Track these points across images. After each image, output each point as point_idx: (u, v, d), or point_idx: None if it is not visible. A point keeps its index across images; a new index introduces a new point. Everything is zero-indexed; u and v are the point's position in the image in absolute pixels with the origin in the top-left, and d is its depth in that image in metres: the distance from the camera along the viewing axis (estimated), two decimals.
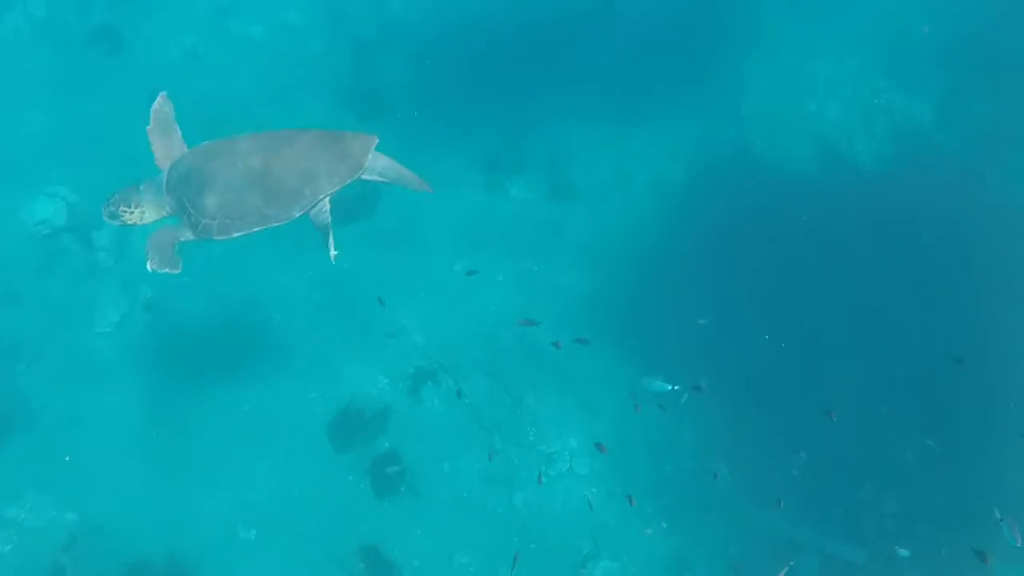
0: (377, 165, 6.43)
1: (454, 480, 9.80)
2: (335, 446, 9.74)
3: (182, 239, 6.30)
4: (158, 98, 6.59)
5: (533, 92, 12.95)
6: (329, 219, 6.54)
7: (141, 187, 6.17)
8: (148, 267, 6.19)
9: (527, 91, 12.96)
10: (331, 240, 6.46)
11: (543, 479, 9.90)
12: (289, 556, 9.09)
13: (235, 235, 6.29)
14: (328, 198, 6.37)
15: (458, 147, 12.48)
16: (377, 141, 6.42)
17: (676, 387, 9.06)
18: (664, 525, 9.85)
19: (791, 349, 10.67)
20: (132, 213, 6.14)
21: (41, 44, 12.64)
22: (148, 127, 6.38)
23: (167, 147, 6.38)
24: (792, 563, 8.86)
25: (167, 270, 6.21)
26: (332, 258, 6.50)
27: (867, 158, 12.08)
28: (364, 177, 6.45)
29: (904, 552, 8.75)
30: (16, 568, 8.46)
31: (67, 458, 8.98)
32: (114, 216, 6.16)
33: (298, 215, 6.37)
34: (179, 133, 6.49)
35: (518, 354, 10.79)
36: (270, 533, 9.17)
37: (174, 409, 9.69)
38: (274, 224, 6.35)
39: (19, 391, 9.33)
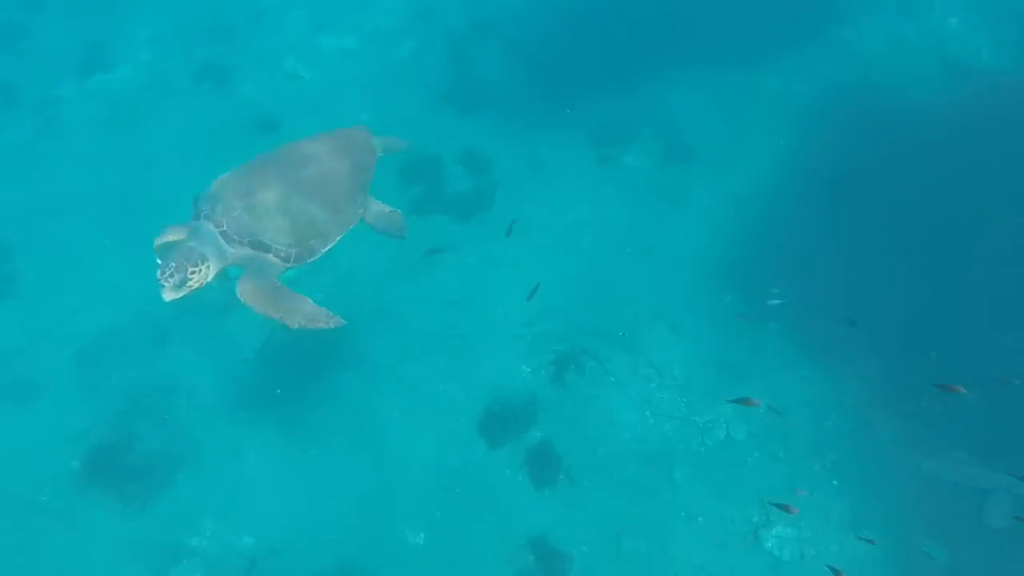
0: (379, 145, 6.93)
1: (611, 463, 9.63)
2: (488, 442, 9.66)
3: (276, 277, 6.27)
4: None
5: (633, 58, 12.66)
6: (386, 208, 6.60)
7: (191, 243, 5.96)
8: (300, 325, 6.07)
9: (626, 59, 12.69)
10: (403, 225, 6.45)
11: (702, 448, 9.66)
12: (459, 555, 9.10)
13: (324, 250, 6.31)
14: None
15: (565, 127, 12.24)
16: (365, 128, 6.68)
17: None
18: (834, 483, 9.45)
19: (943, 293, 10.11)
20: (200, 271, 5.94)
21: (153, 88, 12.96)
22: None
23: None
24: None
25: (327, 324, 6.10)
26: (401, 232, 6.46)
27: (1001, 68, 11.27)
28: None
29: None
30: None
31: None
32: (182, 284, 5.87)
33: (361, 213, 6.41)
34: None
35: (658, 326, 10.53)
36: (437, 535, 9.19)
37: (325, 425, 9.77)
38: (347, 228, 6.38)
39: (182, 426, 9.56)
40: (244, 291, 6.02)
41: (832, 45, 12.93)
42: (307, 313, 6.08)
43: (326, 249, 6.41)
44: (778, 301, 10.09)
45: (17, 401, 9.58)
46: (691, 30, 12.89)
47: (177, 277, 5.78)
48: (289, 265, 6.23)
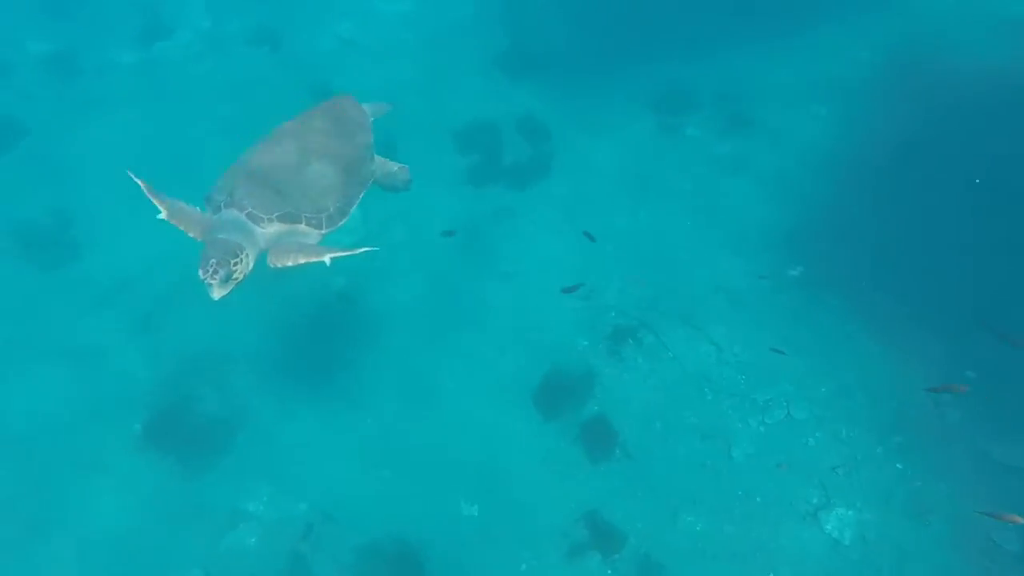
0: (368, 110, 6.88)
1: (668, 438, 9.49)
2: (543, 415, 9.58)
3: (312, 242, 6.19)
4: (141, 186, 6.15)
5: (695, 23, 12.34)
6: (394, 165, 6.53)
7: (221, 237, 5.79)
8: (333, 257, 6.02)
9: (688, 23, 12.36)
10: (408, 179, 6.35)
11: (761, 427, 9.48)
12: (513, 528, 9.06)
13: (351, 211, 6.26)
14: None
15: (625, 94, 12.02)
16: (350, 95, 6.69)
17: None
18: (899, 466, 9.20)
19: (1015, 267, 9.74)
20: (241, 261, 5.78)
21: (210, 54, 12.97)
22: (160, 216, 6.06)
23: (190, 219, 6.10)
24: None
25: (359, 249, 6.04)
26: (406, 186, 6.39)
27: None
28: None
29: None
30: (262, 558, 8.79)
31: None
32: (228, 278, 5.70)
33: (375, 170, 6.32)
34: (182, 203, 6.15)
35: (717, 300, 10.33)
36: (492, 507, 9.15)
37: (380, 394, 9.77)
38: (366, 187, 6.34)
39: (240, 391, 9.62)
40: (272, 257, 6.00)
41: (897, 9, 12.53)
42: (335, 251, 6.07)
43: (352, 210, 6.37)
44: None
45: (82, 364, 9.73)
46: None
47: (222, 272, 5.63)
48: (323, 231, 6.18)
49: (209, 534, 8.77)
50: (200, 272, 5.59)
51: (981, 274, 9.85)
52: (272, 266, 5.98)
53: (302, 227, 6.03)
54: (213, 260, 5.61)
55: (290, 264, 5.98)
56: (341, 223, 6.26)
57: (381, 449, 9.40)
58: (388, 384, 9.74)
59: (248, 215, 5.90)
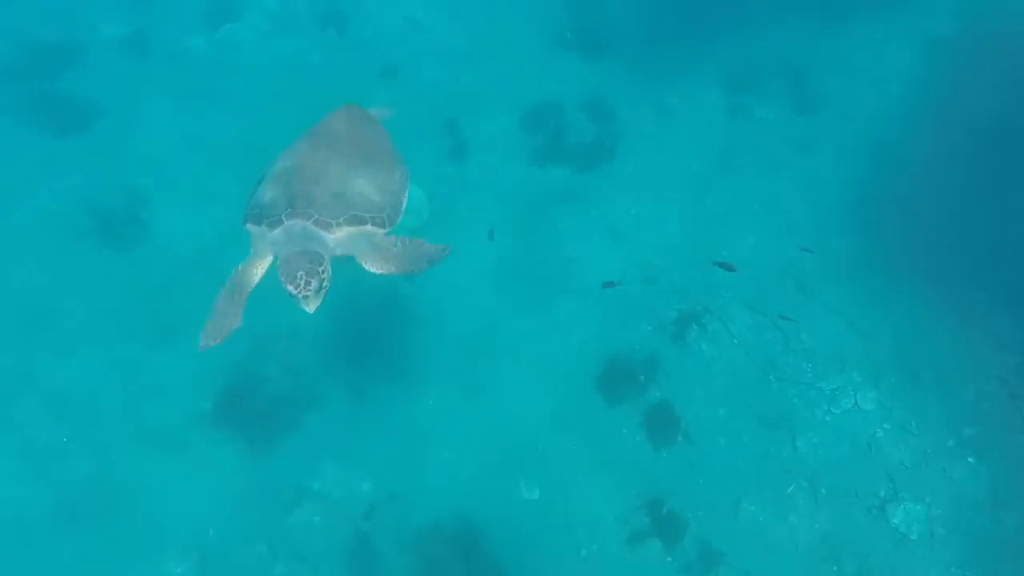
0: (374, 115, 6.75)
1: (731, 425, 9.38)
2: (606, 399, 9.54)
3: (379, 241, 6.17)
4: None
5: (765, 2, 11.97)
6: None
7: (297, 250, 5.72)
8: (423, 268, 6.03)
9: (757, 2, 12.00)
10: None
11: (827, 416, 9.31)
12: (573, 513, 9.06)
13: (403, 208, 6.25)
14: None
15: (692, 73, 11.80)
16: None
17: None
18: (970, 460, 8.95)
19: None
20: (325, 268, 5.72)
21: (278, 36, 13.09)
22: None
23: (246, 279, 6.06)
24: None
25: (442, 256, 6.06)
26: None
27: None
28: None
29: None
30: (327, 536, 8.97)
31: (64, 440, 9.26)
32: (319, 290, 5.64)
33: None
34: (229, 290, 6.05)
35: (784, 286, 10.15)
36: (552, 491, 9.18)
37: (443, 375, 9.84)
38: (408, 182, 6.34)
39: (308, 371, 9.77)
40: (375, 263, 5.99)
41: None
42: (429, 254, 6.07)
43: (404, 204, 6.38)
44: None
45: (155, 342, 9.95)
46: None
47: (314, 283, 5.57)
48: (387, 229, 6.17)
49: (275, 511, 8.96)
50: (291, 288, 5.52)
51: None
52: (375, 270, 6.00)
53: (368, 228, 6.02)
54: (301, 272, 5.54)
55: (393, 271, 5.98)
56: (399, 219, 6.27)
57: (444, 430, 9.48)
58: (452, 366, 9.79)
59: (316, 222, 5.80)
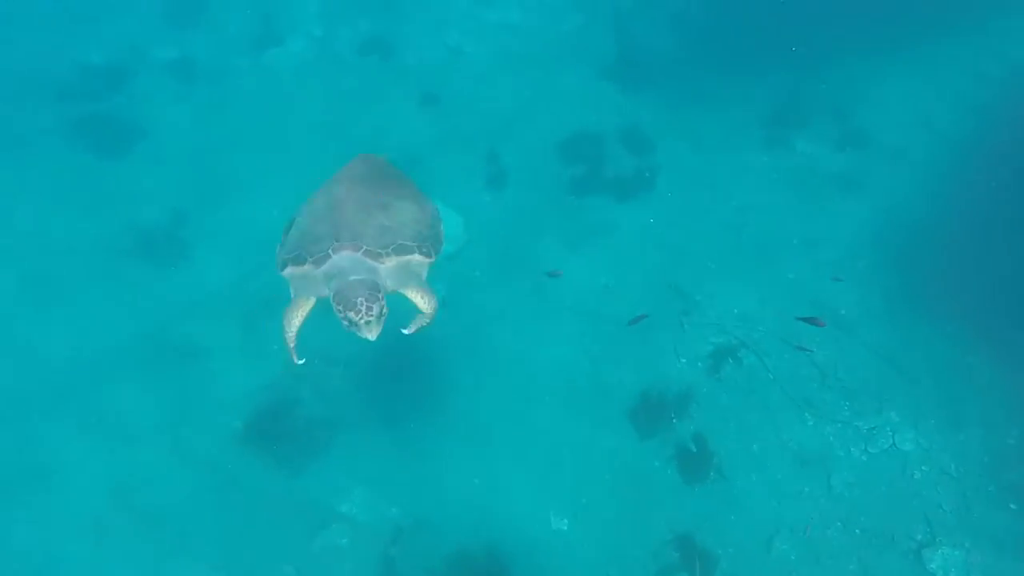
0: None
1: (765, 462, 9.24)
2: (639, 432, 9.45)
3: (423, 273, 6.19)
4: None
5: (808, 33, 11.98)
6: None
7: (353, 279, 5.63)
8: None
9: (801, 33, 12.01)
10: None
11: (864, 456, 9.14)
12: (602, 546, 8.97)
13: (443, 237, 6.27)
14: None
15: (734, 107, 11.79)
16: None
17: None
18: (1013, 507, 8.72)
19: None
20: (382, 295, 5.62)
21: (321, 61, 13.30)
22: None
23: (301, 298, 6.05)
24: None
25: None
26: None
27: None
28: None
29: None
30: (353, 560, 8.93)
31: None
32: (380, 316, 5.52)
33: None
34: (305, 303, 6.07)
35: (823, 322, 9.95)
36: (582, 523, 9.09)
37: (475, 403, 9.81)
38: (438, 214, 6.33)
39: (340, 394, 9.80)
40: (425, 296, 6.02)
41: None
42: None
43: (443, 235, 6.40)
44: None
45: (188, 361, 10.06)
46: (873, 1, 12.08)
47: (375, 308, 5.45)
48: (431, 260, 6.17)
49: (302, 533, 8.95)
50: (352, 315, 5.41)
51: None
52: (430, 312, 6.05)
53: (416, 257, 6.01)
54: (361, 299, 5.44)
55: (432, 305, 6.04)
56: (442, 248, 6.29)
57: (474, 458, 9.44)
58: (484, 393, 9.78)
59: (366, 253, 5.74)
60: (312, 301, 6.00)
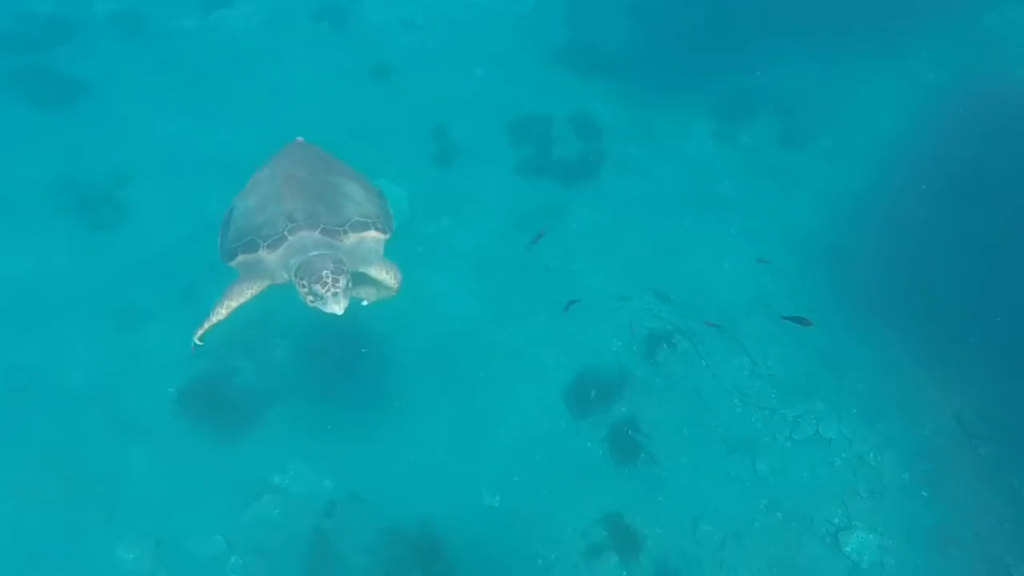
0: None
1: (694, 446, 9.50)
2: (573, 413, 9.61)
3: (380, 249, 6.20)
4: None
5: (760, 31, 12.19)
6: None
7: (315, 254, 5.55)
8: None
9: (753, 31, 12.22)
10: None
11: (788, 443, 9.45)
12: (532, 523, 9.12)
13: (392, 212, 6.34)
14: None
15: (682, 98, 11.96)
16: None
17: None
18: (924, 494, 9.13)
19: None
20: (347, 270, 5.53)
21: (271, 26, 13.09)
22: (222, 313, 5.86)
23: (253, 279, 5.91)
24: None
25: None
26: None
27: None
28: None
29: None
30: (285, 532, 8.92)
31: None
32: (347, 288, 5.44)
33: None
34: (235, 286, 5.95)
35: (756, 313, 10.28)
36: (513, 500, 9.21)
37: (412, 379, 9.86)
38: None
39: (277, 364, 9.75)
40: (388, 270, 6.01)
41: (972, 32, 12.26)
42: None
43: (391, 211, 6.42)
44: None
45: (123, 326, 9.89)
46: (824, 5, 12.32)
47: (342, 280, 5.35)
48: (387, 236, 6.18)
49: (234, 503, 8.90)
50: (318, 288, 5.29)
51: None
52: (396, 288, 6.18)
53: (373, 233, 5.98)
54: (326, 271, 5.32)
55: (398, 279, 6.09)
56: (394, 225, 6.30)
57: (410, 434, 9.48)
58: (422, 370, 9.82)
59: (323, 231, 5.70)
60: (263, 284, 5.88)
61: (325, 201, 5.83)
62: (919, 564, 8.72)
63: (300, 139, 6.64)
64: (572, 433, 9.49)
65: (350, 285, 5.48)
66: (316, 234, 5.67)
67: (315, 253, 5.54)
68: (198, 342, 5.92)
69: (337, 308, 5.38)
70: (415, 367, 9.84)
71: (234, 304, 5.88)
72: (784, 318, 8.57)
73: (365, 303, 6.35)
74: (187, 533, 8.59)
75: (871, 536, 8.88)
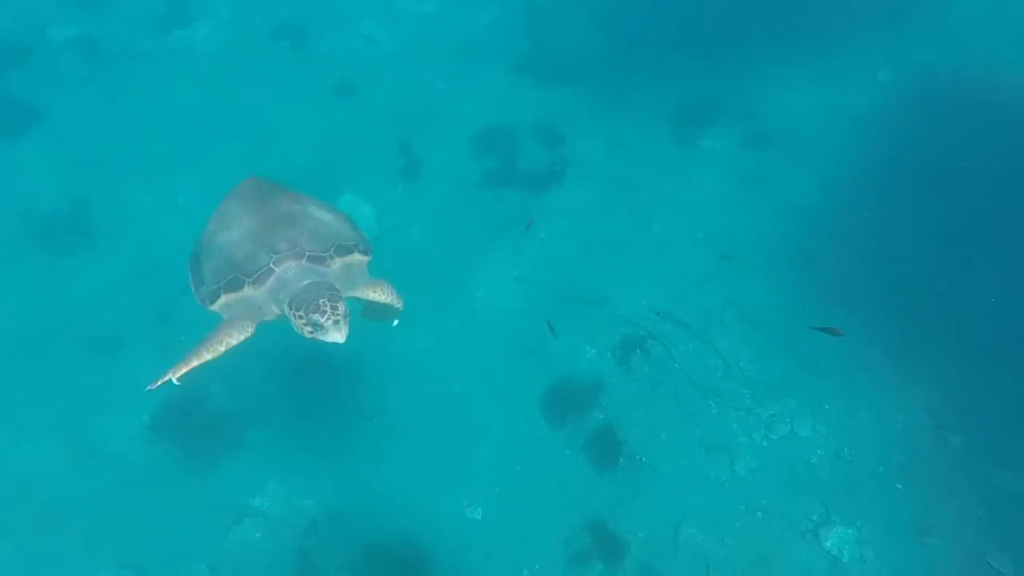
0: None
1: (673, 449, 9.56)
2: (549, 423, 9.64)
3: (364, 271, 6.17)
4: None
5: (718, 36, 12.38)
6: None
7: (306, 283, 5.44)
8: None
9: (712, 36, 12.41)
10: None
11: (765, 442, 9.56)
12: (515, 533, 9.12)
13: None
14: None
15: (644, 104, 12.09)
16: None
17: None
18: (899, 486, 9.28)
19: None
20: (343, 297, 5.42)
21: (231, 46, 13.02)
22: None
23: (243, 316, 5.73)
24: None
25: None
26: None
27: None
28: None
29: None
30: (268, 554, 8.85)
31: None
32: (346, 315, 5.29)
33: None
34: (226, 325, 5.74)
35: (727, 314, 10.39)
36: (495, 512, 9.22)
37: (389, 395, 9.84)
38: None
39: (253, 387, 9.67)
40: (380, 289, 5.97)
41: (929, 30, 12.52)
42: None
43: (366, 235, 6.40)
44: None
45: (93, 354, 9.77)
46: (780, 8, 12.53)
47: (341, 307, 5.20)
48: (369, 258, 6.15)
49: (214, 529, 8.82)
50: (318, 318, 5.13)
51: (998, 300, 9.89)
52: (379, 299, 6.08)
53: (357, 256, 5.92)
54: (323, 299, 5.16)
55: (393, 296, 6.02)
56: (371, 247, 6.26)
57: (389, 450, 9.46)
58: (397, 386, 9.80)
59: (310, 259, 5.58)
60: (252, 325, 5.67)
61: (303, 229, 5.74)
62: (898, 555, 8.83)
63: (253, 176, 6.48)
64: (550, 442, 9.52)
65: (347, 310, 5.32)
66: (303, 263, 5.56)
67: (306, 283, 5.40)
68: (176, 381, 5.60)
69: (339, 336, 5.23)
70: (390, 383, 9.83)
71: (222, 348, 5.71)
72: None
73: (396, 323, 6.25)
74: (168, 561, 8.50)
75: (850, 530, 8.99)
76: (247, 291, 5.53)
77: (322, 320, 5.14)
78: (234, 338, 5.67)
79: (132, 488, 8.98)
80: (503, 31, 13.32)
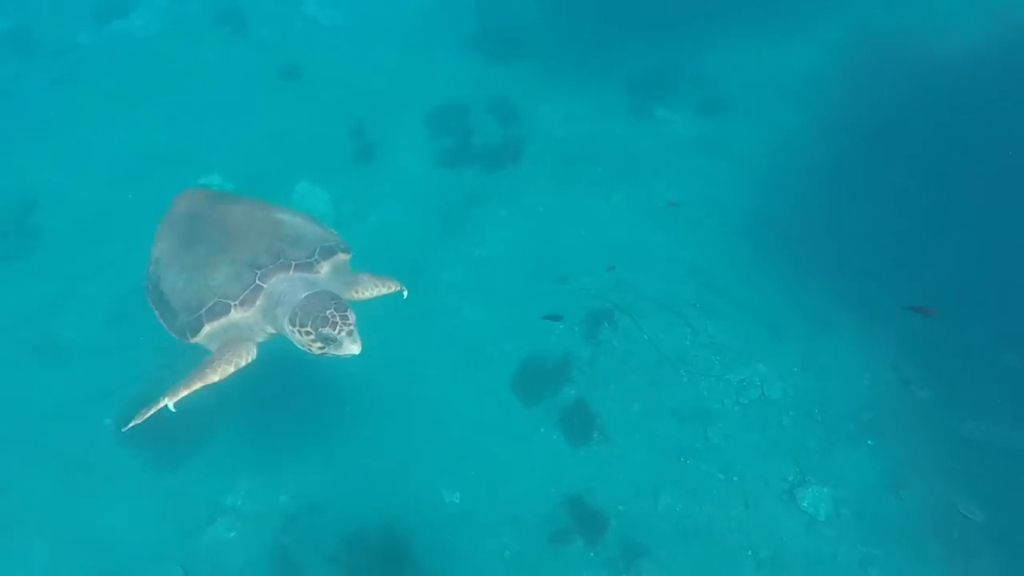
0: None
1: (646, 420, 9.57)
2: (522, 401, 9.57)
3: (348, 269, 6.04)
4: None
5: (667, 6, 12.32)
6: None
7: (304, 297, 5.20)
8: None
9: (661, 7, 12.35)
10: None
11: (737, 407, 9.61)
12: (495, 514, 9.05)
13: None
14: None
15: (598, 76, 12.00)
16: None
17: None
18: (870, 443, 9.40)
19: (989, 254, 9.97)
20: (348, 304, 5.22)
21: (170, 35, 12.64)
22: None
23: (240, 337, 5.48)
24: None
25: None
26: None
27: None
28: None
29: None
30: (244, 552, 8.67)
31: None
32: (355, 325, 5.11)
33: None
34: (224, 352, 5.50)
35: (692, 283, 10.41)
36: (473, 494, 9.14)
37: (359, 382, 9.69)
38: None
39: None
40: (372, 285, 5.78)
41: None
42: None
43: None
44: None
45: (47, 359, 9.46)
46: None
47: (351, 316, 4.98)
48: (350, 254, 5.96)
49: (187, 530, 8.61)
50: (329, 332, 4.92)
51: (956, 258, 10.04)
52: (372, 295, 5.95)
53: (341, 256, 5.68)
54: (330, 311, 4.94)
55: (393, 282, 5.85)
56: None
57: (361, 438, 9.31)
58: (366, 372, 9.60)
59: (298, 267, 5.31)
60: (247, 351, 5.39)
61: (278, 236, 5.42)
62: (873, 510, 8.97)
63: (190, 189, 6.16)
64: (524, 420, 9.45)
65: (355, 320, 5.06)
66: (291, 273, 5.28)
67: (304, 295, 5.11)
68: (171, 408, 5.30)
69: (355, 348, 5.05)
70: (359, 370, 9.60)
71: (217, 379, 5.43)
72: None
73: (405, 295, 6.03)
74: (142, 565, 8.29)
75: (825, 489, 9.09)
76: (235, 315, 5.24)
77: (335, 333, 4.92)
78: (228, 369, 5.44)
79: (99, 493, 8.74)
80: (450, 8, 13.15)
